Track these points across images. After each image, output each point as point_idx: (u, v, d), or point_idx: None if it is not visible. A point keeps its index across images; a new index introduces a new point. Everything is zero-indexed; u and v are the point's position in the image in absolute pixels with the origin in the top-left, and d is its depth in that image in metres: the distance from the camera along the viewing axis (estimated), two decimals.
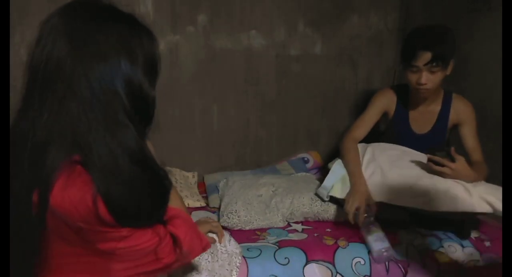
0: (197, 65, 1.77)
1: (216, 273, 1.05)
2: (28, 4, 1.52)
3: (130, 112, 0.61)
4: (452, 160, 1.24)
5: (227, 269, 1.06)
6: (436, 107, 1.45)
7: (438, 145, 1.46)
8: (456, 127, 1.45)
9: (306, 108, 1.96)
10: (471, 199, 1.19)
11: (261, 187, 1.50)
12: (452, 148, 1.25)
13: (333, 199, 1.39)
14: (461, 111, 1.42)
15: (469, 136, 1.41)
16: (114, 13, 0.65)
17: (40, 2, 1.52)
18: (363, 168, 1.37)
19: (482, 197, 1.20)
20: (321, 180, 1.46)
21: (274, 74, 1.88)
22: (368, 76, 2.01)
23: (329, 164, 1.51)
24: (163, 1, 1.67)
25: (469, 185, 1.23)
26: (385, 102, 1.49)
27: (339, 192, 1.35)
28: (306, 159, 1.90)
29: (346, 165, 1.40)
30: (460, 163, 1.23)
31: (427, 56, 1.28)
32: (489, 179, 1.37)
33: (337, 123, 2.02)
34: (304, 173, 1.76)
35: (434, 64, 1.28)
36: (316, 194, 1.43)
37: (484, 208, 1.19)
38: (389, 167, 1.33)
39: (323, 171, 1.84)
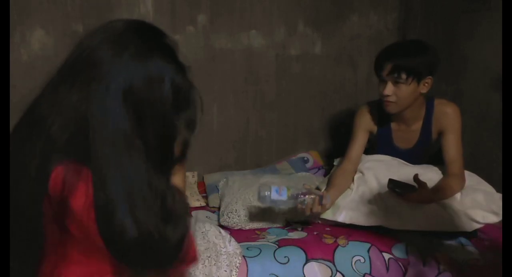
0: (197, 65, 1.77)
1: (214, 276, 1.04)
2: (28, 4, 1.52)
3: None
4: (414, 187, 1.21)
5: (226, 271, 1.06)
6: (419, 122, 1.40)
7: (423, 158, 1.43)
8: (441, 134, 1.37)
9: (306, 108, 1.96)
10: (460, 222, 1.23)
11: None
12: (415, 175, 1.21)
13: None
14: (443, 118, 1.35)
15: (450, 145, 1.33)
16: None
17: (40, 2, 1.53)
18: (354, 187, 1.37)
19: (469, 217, 1.24)
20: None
21: (274, 74, 1.89)
22: (368, 76, 2.01)
23: (320, 184, 1.52)
24: (163, 1, 1.67)
25: (455, 206, 1.24)
26: (366, 122, 1.46)
27: (330, 214, 1.35)
28: (306, 158, 1.91)
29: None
30: (418, 193, 1.20)
31: (388, 66, 1.28)
32: (490, 179, 1.37)
33: (337, 123, 2.02)
34: (304, 173, 1.76)
35: (396, 75, 1.27)
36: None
37: (472, 226, 1.24)
38: (377, 189, 1.33)
39: (322, 171, 1.86)
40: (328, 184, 1.40)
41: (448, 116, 1.35)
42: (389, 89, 1.30)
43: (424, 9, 1.87)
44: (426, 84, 1.32)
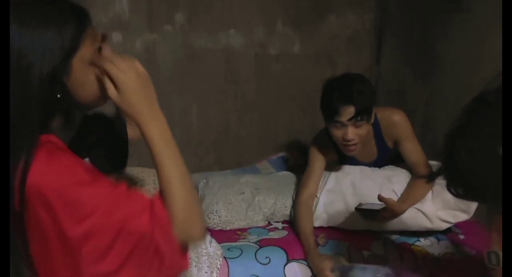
0: (176, 64, 1.75)
1: None
2: None
3: None
4: (381, 206, 1.20)
5: (206, 272, 1.05)
6: (372, 140, 1.35)
7: (390, 163, 1.42)
8: (397, 143, 1.33)
9: (286, 107, 1.97)
10: (432, 224, 1.27)
11: (242, 186, 1.50)
12: (378, 195, 1.19)
13: None
14: (392, 127, 1.31)
15: (409, 153, 1.30)
16: None
17: None
18: (323, 196, 1.35)
19: (440, 218, 1.27)
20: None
21: (253, 74, 1.88)
22: None
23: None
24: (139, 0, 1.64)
25: (427, 210, 1.26)
26: (323, 156, 1.38)
27: (325, 222, 1.34)
28: (286, 158, 1.91)
29: (298, 233, 1.28)
30: (388, 210, 1.19)
31: (350, 110, 1.18)
32: None
33: (317, 122, 2.02)
34: (284, 172, 1.76)
35: (358, 118, 1.19)
36: None
37: (444, 226, 1.29)
38: (351, 194, 1.33)
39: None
40: (297, 229, 1.30)
41: (397, 124, 1.29)
42: (352, 132, 1.21)
43: (400, 9, 1.91)
44: (373, 114, 1.27)
